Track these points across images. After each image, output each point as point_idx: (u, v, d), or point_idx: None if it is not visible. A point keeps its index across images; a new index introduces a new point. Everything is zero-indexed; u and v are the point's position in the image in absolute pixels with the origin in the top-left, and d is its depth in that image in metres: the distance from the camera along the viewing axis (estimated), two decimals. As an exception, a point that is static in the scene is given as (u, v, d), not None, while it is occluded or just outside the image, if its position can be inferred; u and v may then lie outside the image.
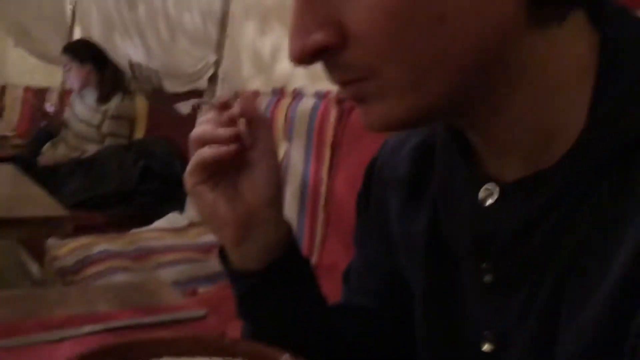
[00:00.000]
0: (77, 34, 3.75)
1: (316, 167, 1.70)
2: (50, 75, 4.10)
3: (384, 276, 0.58)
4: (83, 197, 2.46)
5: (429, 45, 0.35)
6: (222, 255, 0.56)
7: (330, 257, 1.53)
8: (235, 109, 0.52)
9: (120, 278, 1.64)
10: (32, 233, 1.73)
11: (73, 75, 3.02)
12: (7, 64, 5.26)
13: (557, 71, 0.38)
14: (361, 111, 0.40)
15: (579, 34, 0.38)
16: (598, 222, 0.36)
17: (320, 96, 1.75)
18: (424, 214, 0.50)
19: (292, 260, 0.56)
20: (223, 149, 0.51)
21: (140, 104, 3.03)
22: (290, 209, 1.71)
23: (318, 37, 0.37)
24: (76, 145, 3.02)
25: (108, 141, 2.91)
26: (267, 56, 2.27)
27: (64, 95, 3.66)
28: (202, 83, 2.38)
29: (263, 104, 1.98)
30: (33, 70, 4.54)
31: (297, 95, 1.87)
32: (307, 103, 1.78)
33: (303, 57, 0.38)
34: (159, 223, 2.18)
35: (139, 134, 2.99)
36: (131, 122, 3.00)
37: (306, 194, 1.72)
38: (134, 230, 2.04)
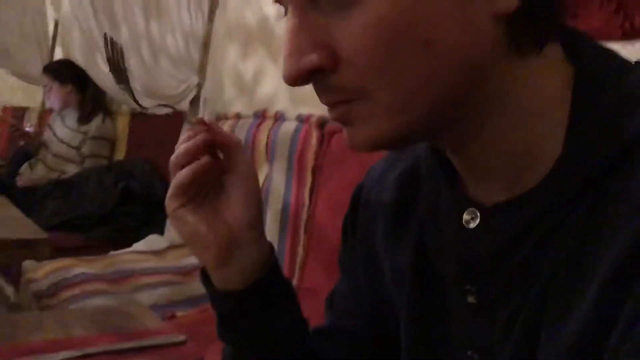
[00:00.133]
0: (58, 55, 3.73)
1: (297, 190, 1.71)
2: (29, 95, 4.06)
3: (369, 300, 0.59)
4: (61, 218, 2.43)
5: (415, 68, 0.37)
6: (204, 276, 0.57)
7: (311, 280, 1.53)
8: (199, 127, 0.54)
9: (97, 301, 1.62)
10: (8, 256, 1.70)
11: (54, 95, 3.00)
12: (-15, 83, 5.20)
13: (534, 100, 0.40)
14: (347, 132, 0.42)
15: (555, 66, 0.41)
16: (575, 244, 0.38)
17: (302, 120, 1.76)
18: (410, 238, 0.51)
19: (273, 281, 0.57)
20: (194, 165, 0.53)
21: (122, 125, 3.02)
22: (271, 232, 1.70)
23: (312, 59, 0.38)
24: (55, 166, 2.99)
25: (88, 162, 2.89)
26: (249, 79, 2.28)
27: (44, 115, 3.63)
28: (184, 105, 2.38)
29: (245, 126, 1.98)
30: (12, 89, 4.50)
31: (279, 118, 1.88)
32: (288, 126, 1.79)
33: (297, 78, 0.39)
34: (138, 245, 2.16)
35: (120, 155, 2.97)
36: (112, 143, 2.98)
37: (287, 217, 1.73)
38: (113, 253, 2.02)
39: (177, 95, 2.34)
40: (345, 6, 0.37)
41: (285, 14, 0.41)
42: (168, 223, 2.36)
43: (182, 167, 0.53)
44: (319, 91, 0.41)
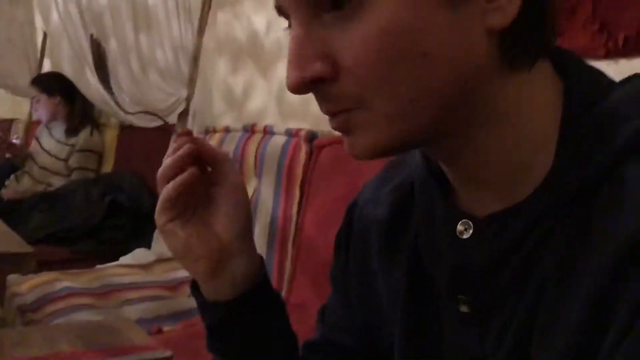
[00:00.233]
0: (47, 67, 3.72)
1: (286, 204, 1.71)
2: (16, 106, 4.04)
3: (360, 315, 0.59)
4: (47, 231, 2.41)
5: (413, 79, 0.39)
6: (194, 287, 0.58)
7: (299, 295, 1.53)
8: (185, 139, 0.54)
9: (83, 316, 1.60)
10: (-8, 270, 1.68)
11: (42, 107, 2.99)
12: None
13: (526, 113, 0.42)
14: (347, 141, 0.43)
15: (545, 81, 0.43)
16: (566, 252, 0.39)
17: (291, 134, 1.76)
18: (404, 251, 0.52)
19: (263, 292, 0.58)
20: (181, 177, 0.53)
21: (110, 138, 3.01)
22: (259, 246, 1.69)
23: (315, 68, 0.40)
24: (41, 178, 2.97)
25: (75, 175, 2.87)
26: (238, 93, 2.29)
27: (31, 127, 3.61)
28: (173, 118, 2.38)
29: (233, 140, 1.99)
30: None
31: (268, 132, 1.88)
32: (277, 140, 1.80)
33: (301, 86, 0.41)
34: (125, 259, 2.14)
35: (108, 167, 2.96)
36: (99, 155, 2.97)
37: (275, 231, 1.72)
38: (99, 267, 2.00)
39: (166, 108, 2.34)
40: (347, 19, 0.39)
41: (289, 26, 0.43)
42: (156, 236, 2.34)
43: (169, 180, 0.53)
44: (320, 100, 0.42)
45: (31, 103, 3.23)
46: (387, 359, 0.54)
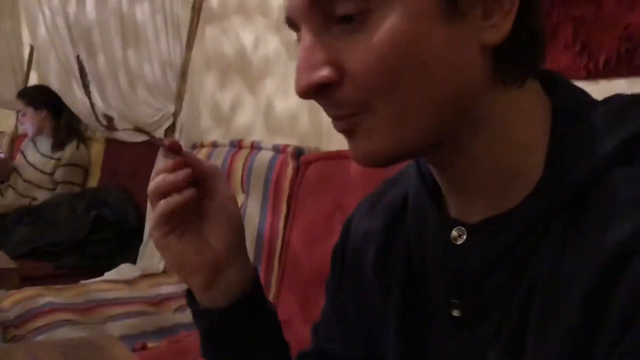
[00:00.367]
0: (33, 80, 3.70)
1: (272, 219, 1.71)
2: (2, 119, 4.01)
3: (354, 325, 0.60)
4: (31, 246, 2.38)
5: (413, 86, 0.42)
6: (189, 295, 0.59)
7: (285, 310, 1.53)
8: (181, 159, 0.56)
9: (67, 332, 1.58)
10: (-25, 285, 1.66)
11: (28, 121, 2.97)
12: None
13: (515, 126, 0.45)
14: (351, 145, 0.46)
15: (534, 99, 0.46)
16: (555, 258, 0.41)
17: (278, 150, 1.77)
18: (397, 260, 0.54)
19: (256, 298, 0.59)
20: (179, 197, 0.54)
21: (96, 152, 3.00)
22: (245, 262, 1.69)
23: (323, 73, 0.43)
24: (26, 192, 2.94)
25: (60, 189, 2.85)
26: (226, 109, 2.30)
27: (16, 140, 3.58)
28: (160, 133, 2.38)
29: (221, 155, 1.99)
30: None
31: (255, 147, 1.89)
32: (264, 156, 1.81)
33: (309, 90, 0.43)
34: (110, 274, 2.13)
35: (93, 182, 2.94)
36: (85, 170, 2.95)
37: (261, 247, 1.72)
38: (83, 282, 1.98)
39: (153, 123, 2.34)
40: (355, 31, 0.42)
41: (298, 38, 0.46)
42: (141, 252, 2.33)
43: (163, 196, 0.54)
44: (326, 104, 0.45)
45: (17, 116, 3.21)
46: None
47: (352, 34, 0.42)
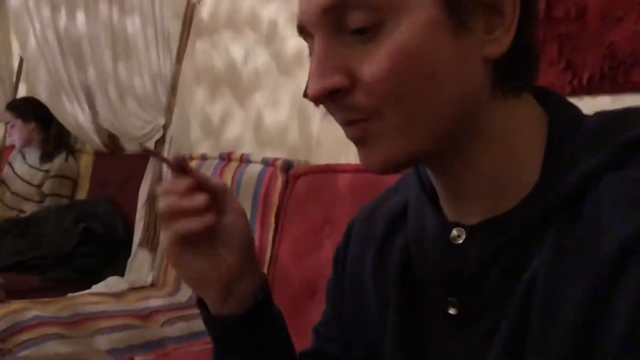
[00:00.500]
0: (22, 92, 3.69)
1: (261, 232, 1.71)
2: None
3: (352, 325, 0.62)
4: (18, 259, 2.36)
5: (421, 95, 0.44)
6: (200, 302, 0.61)
7: (274, 324, 1.53)
8: (192, 179, 0.56)
9: (53, 345, 1.57)
10: (-40, 298, 1.64)
11: (16, 133, 2.95)
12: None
13: (512, 135, 0.47)
14: (362, 153, 0.48)
15: (530, 110, 0.49)
16: (555, 258, 0.43)
17: (268, 163, 1.78)
18: (396, 262, 0.56)
19: (267, 305, 0.61)
20: (200, 222, 0.55)
21: (85, 164, 2.99)
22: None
23: (335, 79, 0.45)
24: (13, 204, 2.92)
25: (49, 201, 2.83)
26: (216, 121, 2.30)
27: (4, 152, 3.56)
28: (149, 145, 2.38)
29: (210, 168, 1.99)
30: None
31: (245, 160, 1.89)
32: (254, 169, 1.81)
33: (321, 95, 0.45)
34: (98, 287, 2.11)
35: (82, 194, 2.92)
36: (74, 182, 2.94)
37: (251, 260, 1.72)
38: (70, 295, 1.97)
39: (143, 135, 2.34)
40: (367, 41, 0.44)
41: (310, 52, 0.48)
42: (129, 265, 2.32)
43: (175, 216, 0.55)
44: (336, 109, 0.47)
45: (5, 128, 3.19)
46: None
47: (365, 43, 0.44)
